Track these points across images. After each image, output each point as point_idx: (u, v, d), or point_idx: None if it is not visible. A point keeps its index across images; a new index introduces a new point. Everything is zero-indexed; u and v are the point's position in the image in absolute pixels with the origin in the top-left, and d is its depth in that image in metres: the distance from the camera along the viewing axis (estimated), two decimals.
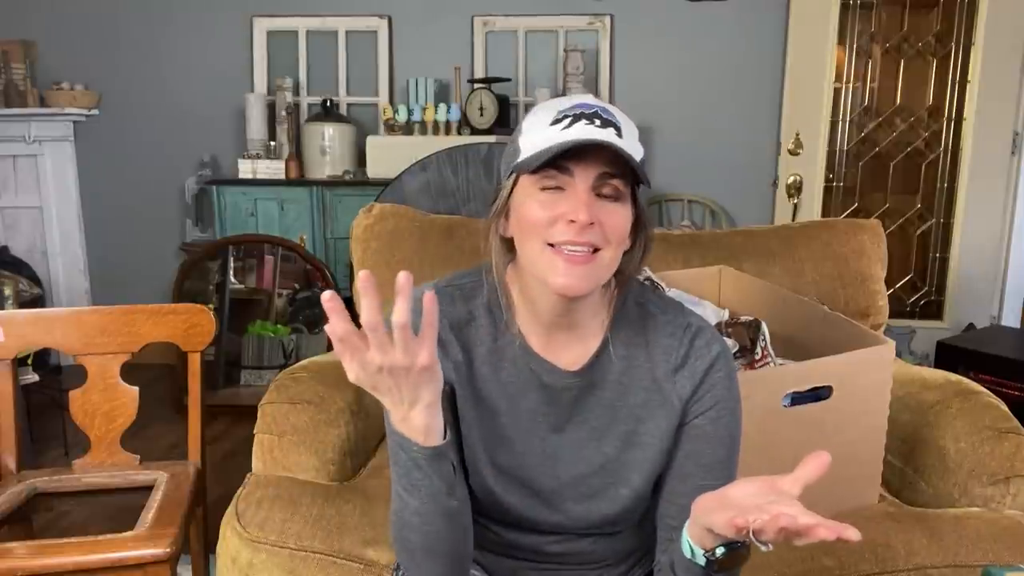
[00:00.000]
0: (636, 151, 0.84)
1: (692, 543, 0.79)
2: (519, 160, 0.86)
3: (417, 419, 0.78)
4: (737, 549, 0.75)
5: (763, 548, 0.68)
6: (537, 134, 0.84)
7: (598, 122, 0.83)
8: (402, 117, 3.28)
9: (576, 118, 0.83)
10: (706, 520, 0.74)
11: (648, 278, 1.67)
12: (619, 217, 0.84)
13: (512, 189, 0.88)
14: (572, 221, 0.81)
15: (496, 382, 0.94)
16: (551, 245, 0.83)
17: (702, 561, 0.78)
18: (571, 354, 0.93)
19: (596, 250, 0.83)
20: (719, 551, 0.76)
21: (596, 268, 0.84)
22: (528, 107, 0.99)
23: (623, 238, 0.86)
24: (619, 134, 0.83)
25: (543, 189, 0.84)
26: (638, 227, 0.89)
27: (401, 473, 0.84)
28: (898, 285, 3.43)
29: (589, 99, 0.87)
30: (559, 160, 0.82)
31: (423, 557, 0.87)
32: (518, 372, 0.93)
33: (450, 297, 0.95)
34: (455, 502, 0.85)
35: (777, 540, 0.67)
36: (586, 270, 0.83)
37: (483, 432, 0.93)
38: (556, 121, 0.84)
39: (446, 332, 0.94)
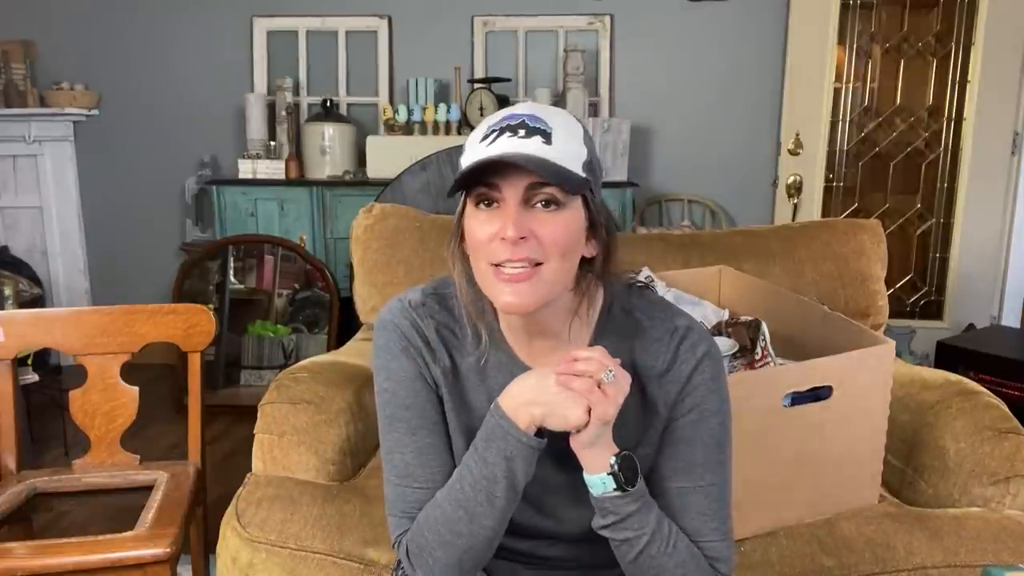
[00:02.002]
0: (574, 154, 0.82)
1: (594, 477, 0.85)
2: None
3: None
4: (622, 451, 0.85)
5: (607, 376, 0.81)
6: (470, 152, 0.84)
7: (522, 132, 0.81)
8: (402, 117, 3.28)
9: (501, 131, 0.82)
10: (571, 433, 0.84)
11: (648, 277, 1.67)
12: (556, 226, 0.82)
13: (463, 210, 0.87)
14: (504, 238, 0.81)
15: (483, 390, 0.93)
16: (495, 265, 0.83)
17: (612, 483, 0.84)
18: (555, 361, 0.92)
19: (537, 264, 0.82)
20: (613, 461, 0.84)
21: (539, 283, 0.82)
22: None
23: (565, 249, 0.83)
24: (547, 140, 0.81)
25: (479, 208, 0.84)
26: (595, 231, 0.87)
27: (492, 473, 0.85)
28: (898, 285, 3.43)
29: (522, 107, 0.85)
30: (486, 177, 0.81)
31: (461, 557, 0.88)
32: (504, 380, 0.92)
33: (435, 304, 0.95)
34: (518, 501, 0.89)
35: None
36: (528, 286, 0.82)
37: (471, 439, 0.93)
38: (484, 137, 0.83)
39: (434, 338, 0.94)
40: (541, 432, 0.85)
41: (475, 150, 0.83)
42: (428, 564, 0.89)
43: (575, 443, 0.84)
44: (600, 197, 0.88)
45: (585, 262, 0.88)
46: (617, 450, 0.84)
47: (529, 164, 0.79)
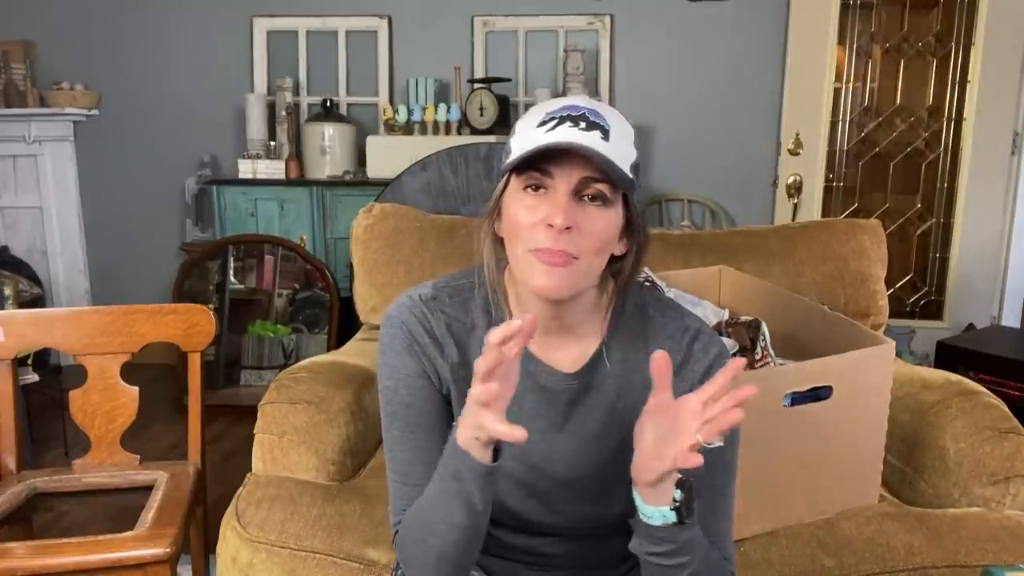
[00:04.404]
0: (625, 155, 0.83)
1: (652, 508, 0.80)
2: (507, 161, 0.86)
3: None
4: (686, 482, 0.80)
5: (715, 444, 0.75)
6: (525, 136, 0.84)
7: (583, 124, 0.82)
8: (402, 117, 3.28)
9: (561, 120, 0.82)
10: (650, 476, 0.78)
11: (648, 278, 1.67)
12: (601, 223, 0.83)
13: (504, 190, 0.88)
14: (550, 225, 0.81)
15: None
16: (532, 250, 0.83)
17: (673, 516, 0.80)
18: (568, 356, 0.93)
19: (574, 257, 0.82)
20: (677, 495, 0.79)
21: (575, 272, 0.83)
22: (528, 107, 1.02)
23: (603, 245, 0.84)
24: (606, 137, 0.82)
25: (527, 192, 0.84)
26: (631, 231, 0.88)
27: (448, 488, 0.82)
28: (898, 285, 3.43)
29: (581, 100, 0.86)
30: (541, 163, 0.81)
31: (436, 560, 0.87)
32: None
33: (446, 298, 0.95)
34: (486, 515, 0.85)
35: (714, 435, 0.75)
36: (565, 272, 0.82)
37: None
38: (543, 123, 0.83)
39: (443, 333, 0.94)
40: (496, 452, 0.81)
41: (533, 134, 0.83)
42: (408, 562, 0.90)
43: (639, 482, 0.80)
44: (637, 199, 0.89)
45: (612, 261, 0.89)
46: (679, 478, 0.80)
47: (592, 156, 0.79)
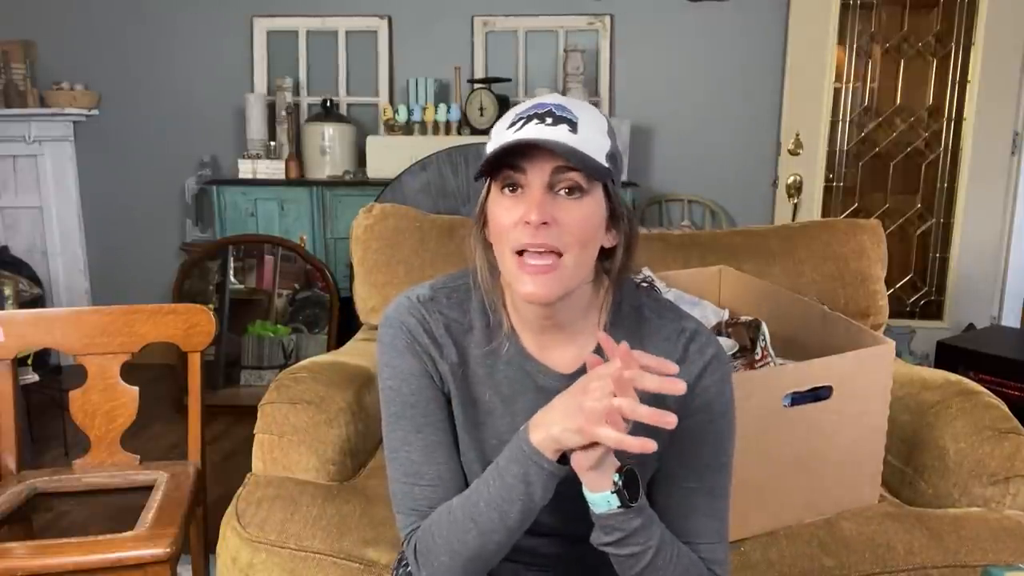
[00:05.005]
0: (599, 145, 0.84)
1: (596, 495, 0.81)
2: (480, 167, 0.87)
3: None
4: (625, 467, 0.81)
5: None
6: (496, 139, 0.85)
7: (549, 120, 0.83)
8: (402, 117, 3.28)
9: (528, 119, 0.84)
10: (585, 460, 0.79)
11: (647, 278, 1.67)
12: (579, 214, 0.83)
13: (487, 196, 0.89)
14: (528, 223, 0.82)
15: (491, 384, 0.94)
16: (518, 253, 0.84)
17: (616, 500, 0.80)
18: (565, 356, 0.93)
19: (559, 255, 0.83)
20: (616, 478, 0.80)
21: (561, 275, 0.84)
22: None
23: (586, 237, 0.85)
24: (573, 130, 0.83)
25: (504, 193, 0.85)
26: (616, 222, 0.89)
27: (512, 492, 0.83)
28: (898, 285, 3.43)
29: (549, 98, 0.87)
30: (513, 161, 0.83)
31: (466, 562, 0.87)
32: (513, 374, 0.93)
33: (443, 299, 0.96)
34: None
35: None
36: (550, 278, 0.83)
37: (478, 434, 0.94)
38: (512, 124, 0.85)
39: (441, 334, 0.94)
40: (565, 457, 0.82)
41: (502, 136, 0.84)
42: (432, 566, 0.89)
43: (576, 464, 0.81)
44: (619, 189, 0.89)
45: (604, 257, 0.89)
46: (619, 464, 0.81)
47: (556, 148, 0.80)
